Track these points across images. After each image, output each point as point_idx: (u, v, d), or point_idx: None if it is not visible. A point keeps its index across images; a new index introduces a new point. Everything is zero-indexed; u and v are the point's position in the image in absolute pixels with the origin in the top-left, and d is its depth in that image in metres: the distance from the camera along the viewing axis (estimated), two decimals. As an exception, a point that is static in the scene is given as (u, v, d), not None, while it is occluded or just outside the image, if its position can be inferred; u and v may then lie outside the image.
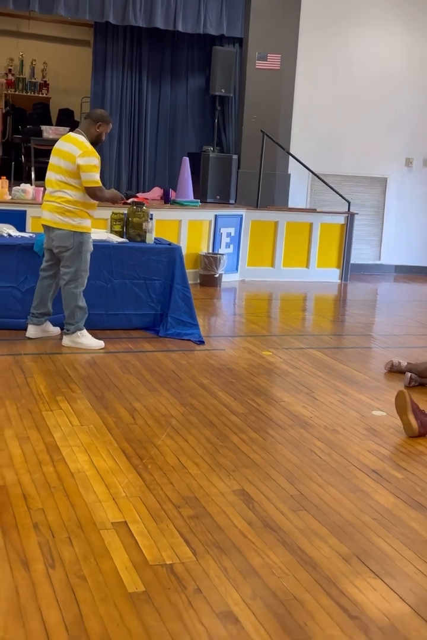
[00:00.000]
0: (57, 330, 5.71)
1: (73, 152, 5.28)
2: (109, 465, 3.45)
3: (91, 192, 5.31)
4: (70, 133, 5.55)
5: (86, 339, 5.49)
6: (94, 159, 5.31)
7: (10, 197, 7.69)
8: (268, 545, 2.83)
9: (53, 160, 5.43)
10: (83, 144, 5.31)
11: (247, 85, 9.99)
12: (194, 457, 3.61)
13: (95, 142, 5.42)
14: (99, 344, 5.50)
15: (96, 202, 5.46)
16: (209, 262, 8.54)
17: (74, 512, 2.97)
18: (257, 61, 9.92)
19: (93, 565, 2.60)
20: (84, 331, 5.50)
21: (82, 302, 5.48)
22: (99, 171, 5.36)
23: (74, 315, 5.45)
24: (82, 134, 5.38)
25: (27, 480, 3.23)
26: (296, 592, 2.53)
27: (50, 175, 5.44)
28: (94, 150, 5.36)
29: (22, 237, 6.06)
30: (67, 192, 5.32)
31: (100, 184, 5.35)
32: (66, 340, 5.48)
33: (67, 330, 5.48)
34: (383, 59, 10.29)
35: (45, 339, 5.60)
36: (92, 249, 5.49)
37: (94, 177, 5.29)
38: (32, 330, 5.59)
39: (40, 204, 7.75)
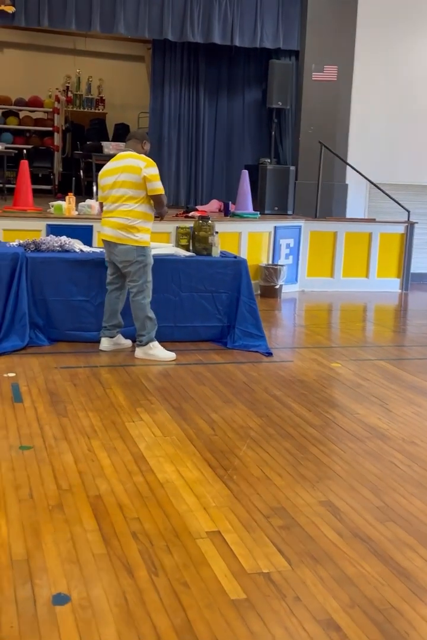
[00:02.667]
0: (128, 342, 5.86)
1: (138, 164, 5.45)
2: (195, 476, 3.55)
3: (157, 200, 5.50)
4: (124, 152, 5.69)
5: (158, 351, 5.62)
6: (156, 170, 5.52)
7: (77, 213, 7.89)
8: (360, 555, 2.89)
9: (112, 178, 5.54)
10: (144, 157, 5.54)
11: (304, 97, 10.07)
12: (276, 469, 3.69)
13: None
14: (170, 355, 5.63)
15: (153, 216, 5.61)
16: (269, 273, 8.62)
17: (169, 522, 3.08)
18: (313, 73, 10.00)
19: (193, 573, 2.70)
20: (156, 343, 5.64)
21: (151, 313, 5.62)
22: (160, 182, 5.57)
23: (144, 326, 5.58)
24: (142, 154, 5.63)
25: (120, 490, 3.35)
26: (393, 601, 2.59)
27: (110, 192, 5.55)
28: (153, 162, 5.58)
29: (93, 252, 6.23)
30: (131, 206, 5.47)
31: (163, 192, 5.55)
32: (139, 352, 5.62)
33: (140, 342, 5.63)
34: (441, 67, 10.27)
35: (118, 351, 5.75)
36: (152, 261, 5.63)
37: (159, 186, 5.49)
38: (105, 343, 5.75)
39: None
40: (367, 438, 4.19)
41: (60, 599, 2.48)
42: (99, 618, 2.40)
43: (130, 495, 3.30)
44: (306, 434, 4.22)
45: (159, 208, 5.56)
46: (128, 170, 5.49)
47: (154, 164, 5.54)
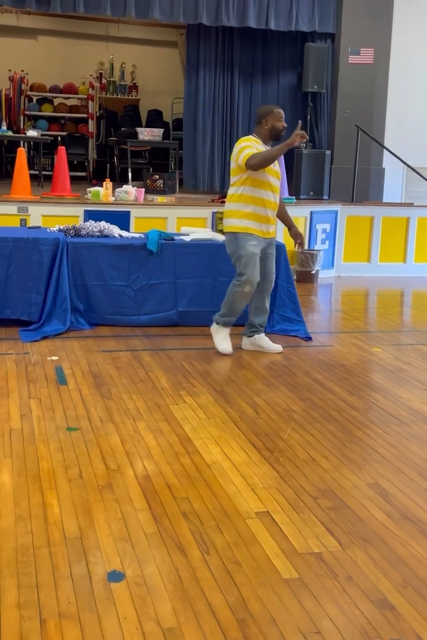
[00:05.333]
0: (277, 347, 5.53)
1: (234, 151, 5.18)
2: (242, 458, 3.57)
3: (249, 163, 4.99)
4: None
5: (218, 336, 5.38)
6: (245, 143, 5.11)
7: (114, 199, 7.93)
8: (411, 536, 2.88)
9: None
10: (240, 139, 5.25)
11: (340, 81, 9.97)
12: (322, 451, 3.69)
13: (275, 137, 5.26)
14: (226, 348, 5.34)
15: (254, 197, 5.14)
16: (306, 258, 8.59)
17: (218, 502, 3.10)
18: (350, 56, 9.89)
19: (245, 552, 2.72)
20: (221, 328, 5.38)
21: (237, 303, 5.31)
22: (253, 149, 5.04)
23: (223, 307, 5.38)
24: (252, 136, 5.25)
25: (168, 471, 3.38)
26: (446, 582, 2.58)
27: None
28: (250, 138, 5.19)
29: (132, 237, 6.26)
30: (230, 191, 5.26)
31: (251, 154, 5.00)
32: (212, 326, 5.46)
33: (215, 320, 5.45)
34: None
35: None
36: (252, 251, 5.18)
37: (247, 152, 5.02)
38: (245, 342, 5.56)
39: (142, 204, 8.05)
40: (412, 422, 4.17)
41: (115, 576, 2.52)
42: (154, 595, 2.43)
43: (178, 476, 3.33)
44: (350, 417, 4.21)
45: (257, 169, 5.05)
46: (232, 159, 5.26)
47: (245, 139, 5.17)
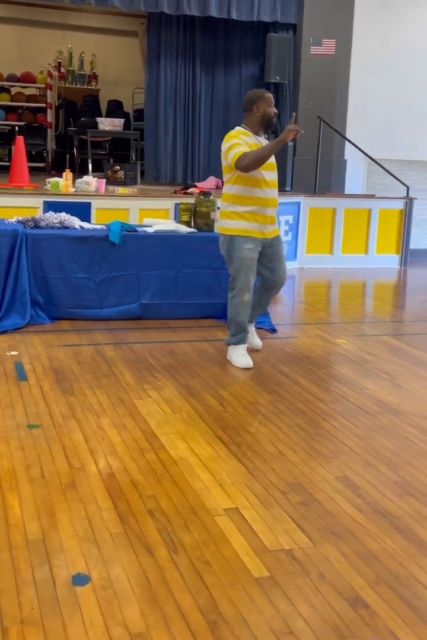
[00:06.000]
0: (258, 343, 5.27)
1: (222, 147, 4.77)
2: (208, 453, 3.49)
3: (239, 165, 4.58)
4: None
5: (235, 354, 4.93)
6: (234, 139, 4.67)
7: (74, 190, 7.77)
8: (382, 530, 2.84)
9: None
10: (228, 134, 4.80)
11: (302, 72, 9.93)
12: (290, 445, 3.63)
13: (267, 124, 4.83)
14: (245, 362, 4.87)
15: (248, 197, 4.72)
16: (269, 250, 8.52)
17: (185, 499, 3.02)
18: (312, 47, 9.85)
19: (214, 551, 2.64)
20: (237, 346, 4.94)
21: (241, 316, 4.87)
22: (243, 146, 4.62)
23: (229, 326, 4.97)
24: (240, 127, 4.81)
25: (133, 468, 3.28)
26: (419, 576, 2.54)
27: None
28: (239, 131, 4.75)
29: (93, 228, 6.13)
30: (224, 189, 4.88)
31: (240, 154, 4.57)
32: (228, 351, 5.03)
33: (227, 343, 5.06)
34: (440, 41, 10.15)
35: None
36: (246, 255, 4.78)
37: (236, 151, 4.59)
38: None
39: (103, 195, 7.90)
40: (378, 413, 4.14)
41: (80, 579, 2.42)
42: (121, 598, 2.34)
43: (144, 473, 3.24)
44: (317, 409, 4.16)
45: (246, 171, 4.63)
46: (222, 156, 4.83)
47: (234, 135, 4.73)
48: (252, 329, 5.25)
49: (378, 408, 4.22)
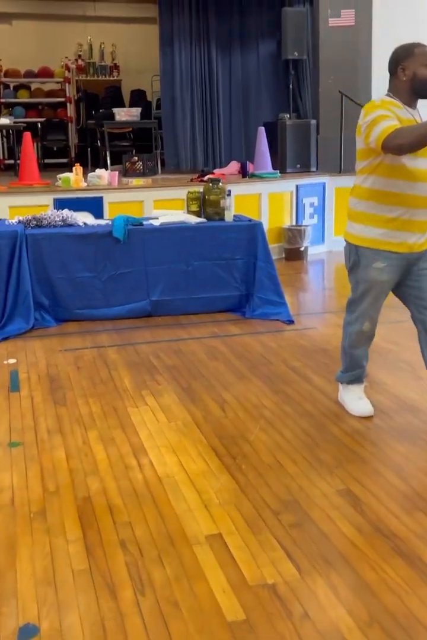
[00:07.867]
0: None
1: (360, 122, 3.38)
2: (199, 468, 3.18)
3: (389, 144, 3.16)
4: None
5: (348, 396, 3.84)
6: (380, 110, 3.27)
7: (85, 184, 7.52)
8: (382, 556, 2.49)
9: None
10: (368, 104, 3.41)
11: (321, 46, 9.42)
12: (291, 454, 3.30)
13: (421, 91, 3.36)
14: (362, 410, 3.74)
15: (392, 194, 3.35)
16: (293, 235, 8.16)
17: (164, 525, 2.71)
18: (330, 19, 9.34)
19: (186, 589, 2.34)
20: (350, 387, 3.85)
21: (357, 350, 3.76)
22: (393, 120, 3.23)
23: (341, 358, 3.90)
24: (386, 96, 3.41)
25: (113, 488, 2.99)
26: (420, 614, 2.19)
27: None
28: (385, 101, 3.35)
29: (98, 225, 5.86)
30: (356, 180, 3.53)
31: (392, 130, 3.16)
32: (339, 390, 3.96)
33: (338, 380, 3.97)
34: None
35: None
36: (375, 277, 3.51)
37: (384, 125, 3.19)
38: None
39: (115, 188, 7.63)
40: (395, 412, 3.76)
41: (27, 631, 2.14)
42: (71, 652, 2.06)
43: (124, 495, 2.95)
44: (326, 410, 3.81)
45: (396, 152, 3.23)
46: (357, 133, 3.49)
47: (378, 105, 3.32)
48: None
49: (395, 406, 3.85)
